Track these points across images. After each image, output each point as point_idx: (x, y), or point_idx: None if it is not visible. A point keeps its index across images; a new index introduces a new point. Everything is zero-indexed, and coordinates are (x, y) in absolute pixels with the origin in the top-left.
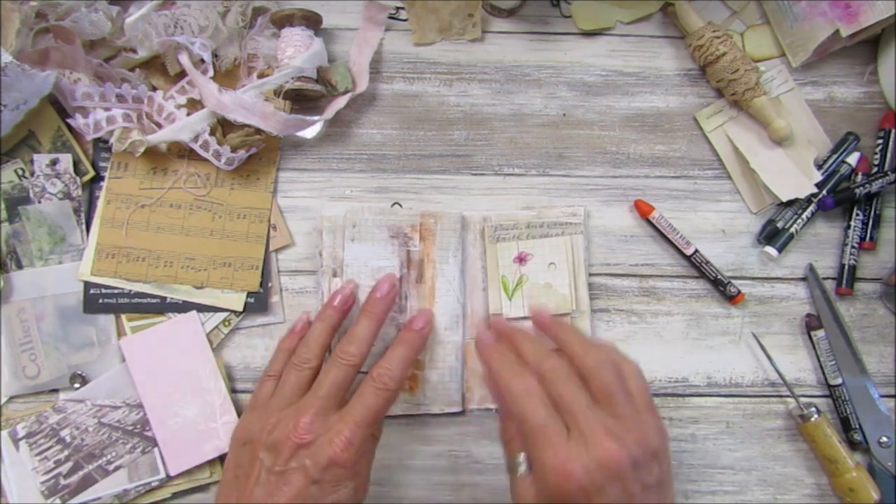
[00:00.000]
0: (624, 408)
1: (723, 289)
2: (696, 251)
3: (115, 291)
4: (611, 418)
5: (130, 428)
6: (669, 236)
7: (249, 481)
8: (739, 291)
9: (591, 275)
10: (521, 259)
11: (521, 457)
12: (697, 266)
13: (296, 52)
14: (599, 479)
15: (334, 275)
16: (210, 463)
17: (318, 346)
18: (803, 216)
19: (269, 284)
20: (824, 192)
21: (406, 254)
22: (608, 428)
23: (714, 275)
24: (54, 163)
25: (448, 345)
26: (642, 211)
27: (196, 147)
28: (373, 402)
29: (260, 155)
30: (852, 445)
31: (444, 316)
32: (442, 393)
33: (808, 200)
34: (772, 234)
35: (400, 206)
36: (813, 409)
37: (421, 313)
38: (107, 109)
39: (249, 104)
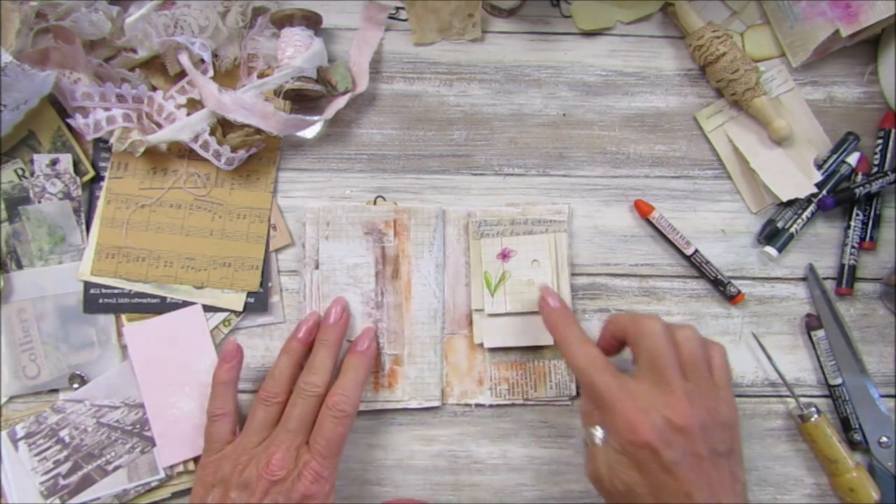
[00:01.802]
0: (704, 378)
1: (723, 289)
2: (696, 251)
3: (115, 291)
4: (690, 384)
5: (129, 428)
6: (669, 236)
7: None
8: (739, 291)
9: (591, 275)
10: (504, 255)
11: (598, 429)
12: (697, 266)
13: (296, 52)
14: (667, 434)
15: (315, 266)
16: None
17: (286, 379)
18: (803, 216)
19: (269, 284)
20: (824, 192)
21: (381, 250)
22: (686, 391)
23: (714, 275)
24: (54, 163)
25: (427, 339)
26: (642, 211)
27: (196, 147)
28: (332, 433)
29: (260, 155)
30: (852, 445)
31: (421, 311)
32: (421, 388)
33: (808, 200)
34: (772, 234)
35: (384, 199)
36: (813, 409)
37: (364, 332)
38: (107, 109)
39: (249, 104)
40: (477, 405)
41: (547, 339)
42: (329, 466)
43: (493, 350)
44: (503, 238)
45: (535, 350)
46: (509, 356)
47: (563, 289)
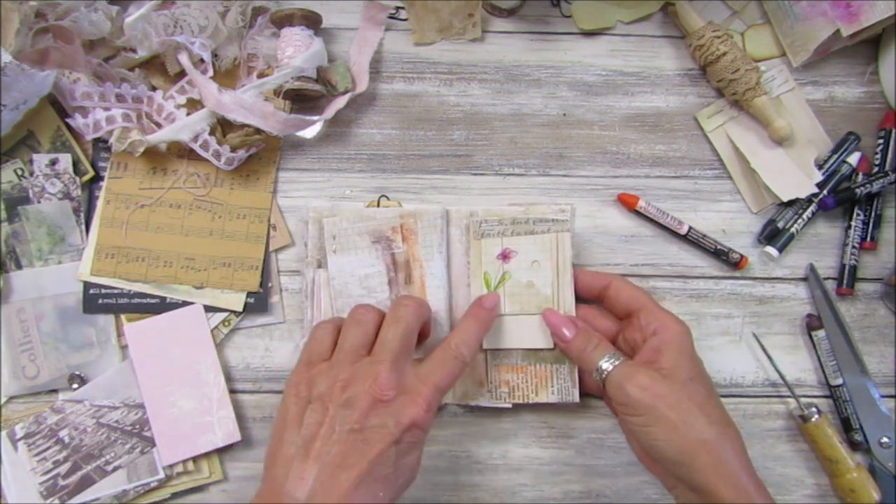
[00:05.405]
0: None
1: (725, 257)
2: (690, 228)
3: (115, 291)
4: None
5: (129, 428)
6: (661, 221)
7: (317, 440)
8: (742, 256)
9: None
10: (504, 256)
11: (609, 354)
12: (695, 242)
13: (296, 51)
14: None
15: (318, 265)
16: (209, 462)
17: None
18: (804, 216)
19: (269, 284)
20: (825, 192)
21: (391, 257)
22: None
23: (713, 246)
24: (54, 163)
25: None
26: (628, 203)
27: (196, 147)
28: (450, 370)
29: (260, 155)
30: (853, 446)
31: (439, 313)
32: None
33: (809, 200)
34: (772, 234)
35: (387, 198)
36: (813, 409)
37: (491, 295)
38: (106, 109)
39: (249, 104)
40: (476, 406)
41: (545, 343)
42: (437, 401)
43: (494, 351)
44: (504, 238)
45: (536, 353)
46: (510, 359)
47: (564, 291)
